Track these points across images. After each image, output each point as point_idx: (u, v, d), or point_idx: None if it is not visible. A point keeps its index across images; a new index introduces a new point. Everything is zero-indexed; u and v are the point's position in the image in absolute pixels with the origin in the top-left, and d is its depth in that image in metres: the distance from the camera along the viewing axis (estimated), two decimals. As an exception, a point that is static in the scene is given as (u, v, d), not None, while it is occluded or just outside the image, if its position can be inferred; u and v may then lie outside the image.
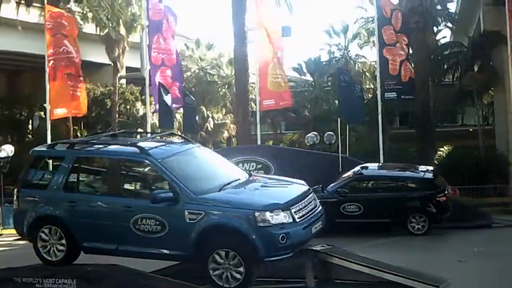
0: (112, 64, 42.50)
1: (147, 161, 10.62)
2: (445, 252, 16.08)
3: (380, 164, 23.46)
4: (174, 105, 26.88)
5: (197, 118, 38.93)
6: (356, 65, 52.07)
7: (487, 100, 41.61)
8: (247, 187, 10.79)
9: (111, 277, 10.61)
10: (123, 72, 43.77)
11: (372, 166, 21.97)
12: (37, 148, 12.32)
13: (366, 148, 36.37)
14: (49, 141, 22.61)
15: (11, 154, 32.36)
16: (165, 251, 10.40)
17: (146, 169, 10.87)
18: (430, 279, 10.86)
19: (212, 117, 52.30)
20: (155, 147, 11.07)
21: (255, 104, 31.72)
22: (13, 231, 27.12)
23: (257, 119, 28.70)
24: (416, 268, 11.59)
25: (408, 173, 21.43)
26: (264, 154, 23.97)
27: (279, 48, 27.62)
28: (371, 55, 50.24)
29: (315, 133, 37.20)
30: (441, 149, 39.13)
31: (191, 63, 51.81)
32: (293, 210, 10.05)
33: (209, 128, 51.69)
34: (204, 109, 49.82)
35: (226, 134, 53.02)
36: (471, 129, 44.00)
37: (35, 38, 34.55)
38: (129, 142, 11.33)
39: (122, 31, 41.85)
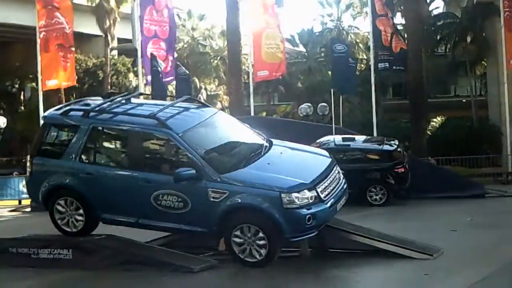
0: (104, 35, 42.15)
1: (166, 135, 10.28)
2: (438, 221, 16.11)
3: (346, 136, 22.90)
4: (167, 79, 26.73)
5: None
6: (349, 36, 51.83)
7: (480, 71, 41.56)
8: (271, 162, 10.43)
9: (106, 247, 10.65)
10: (114, 44, 43.43)
11: (339, 138, 21.47)
12: (49, 114, 11.59)
13: (359, 119, 36.44)
14: (41, 113, 22.49)
15: (3, 125, 32.38)
16: (187, 227, 10.29)
17: (166, 142, 10.50)
18: (424, 248, 10.93)
19: (205, 88, 52.06)
20: (174, 117, 10.59)
21: (248, 76, 31.63)
22: (7, 203, 27.35)
23: (251, 90, 28.65)
24: (410, 237, 11.64)
25: (368, 145, 21.55)
26: (257, 125, 23.73)
27: (273, 18, 27.48)
28: (364, 26, 50.09)
29: (308, 104, 37.15)
30: (434, 120, 39.17)
31: (183, 34, 51.44)
32: (319, 189, 9.89)
33: (202, 100, 51.47)
34: (196, 80, 49.54)
35: (219, 106, 52.73)
36: (464, 100, 44.03)
37: (26, 10, 34.20)
38: (148, 113, 10.55)
39: (113, 2, 41.47)
